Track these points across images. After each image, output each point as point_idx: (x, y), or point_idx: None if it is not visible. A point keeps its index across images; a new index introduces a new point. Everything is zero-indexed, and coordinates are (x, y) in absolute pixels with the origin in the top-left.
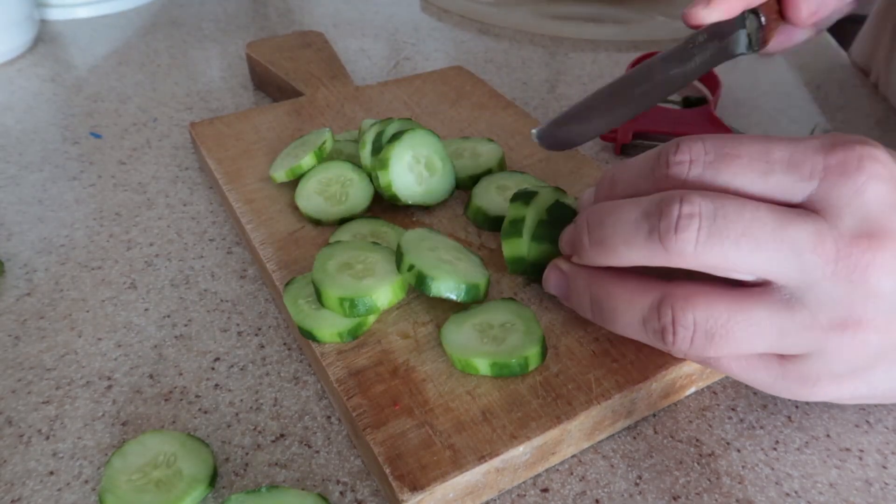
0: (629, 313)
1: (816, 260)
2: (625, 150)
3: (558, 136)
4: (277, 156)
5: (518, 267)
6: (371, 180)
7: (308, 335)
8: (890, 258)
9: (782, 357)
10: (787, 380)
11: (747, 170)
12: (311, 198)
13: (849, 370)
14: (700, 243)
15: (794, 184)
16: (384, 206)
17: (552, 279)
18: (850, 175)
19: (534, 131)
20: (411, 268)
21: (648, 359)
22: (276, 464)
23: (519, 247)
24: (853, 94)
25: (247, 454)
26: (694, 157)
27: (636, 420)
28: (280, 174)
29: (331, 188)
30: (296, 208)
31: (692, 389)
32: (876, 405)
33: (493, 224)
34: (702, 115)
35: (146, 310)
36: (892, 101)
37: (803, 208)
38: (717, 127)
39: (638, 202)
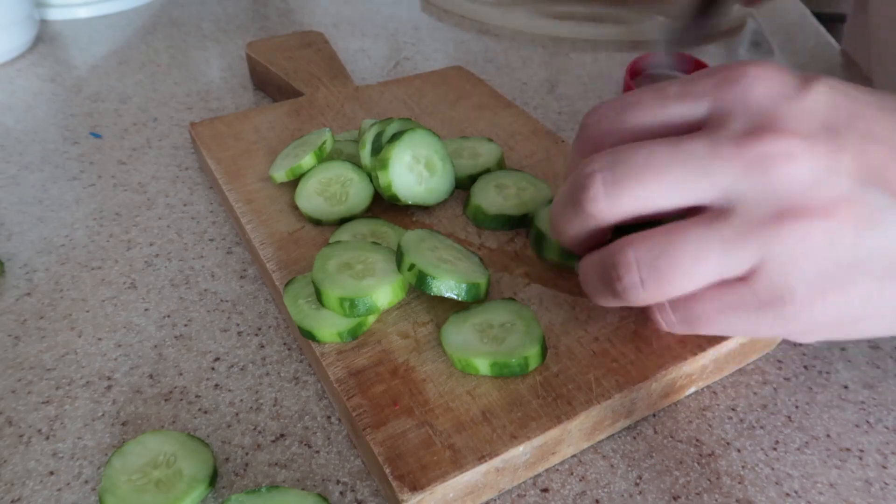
0: (593, 280)
1: (719, 164)
2: None
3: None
4: (277, 156)
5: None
6: (371, 180)
7: (308, 335)
8: (787, 141)
9: (745, 280)
10: (767, 308)
11: (647, 109)
12: (311, 198)
13: (818, 273)
14: (609, 194)
15: (689, 108)
16: (384, 206)
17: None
18: (736, 80)
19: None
20: (412, 267)
21: (648, 359)
22: (276, 464)
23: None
24: None
25: (247, 454)
26: (603, 114)
27: (636, 420)
28: (280, 174)
29: (331, 188)
30: (296, 208)
31: (692, 389)
32: (877, 405)
33: (491, 222)
34: None
35: (146, 310)
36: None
37: (701, 124)
38: None
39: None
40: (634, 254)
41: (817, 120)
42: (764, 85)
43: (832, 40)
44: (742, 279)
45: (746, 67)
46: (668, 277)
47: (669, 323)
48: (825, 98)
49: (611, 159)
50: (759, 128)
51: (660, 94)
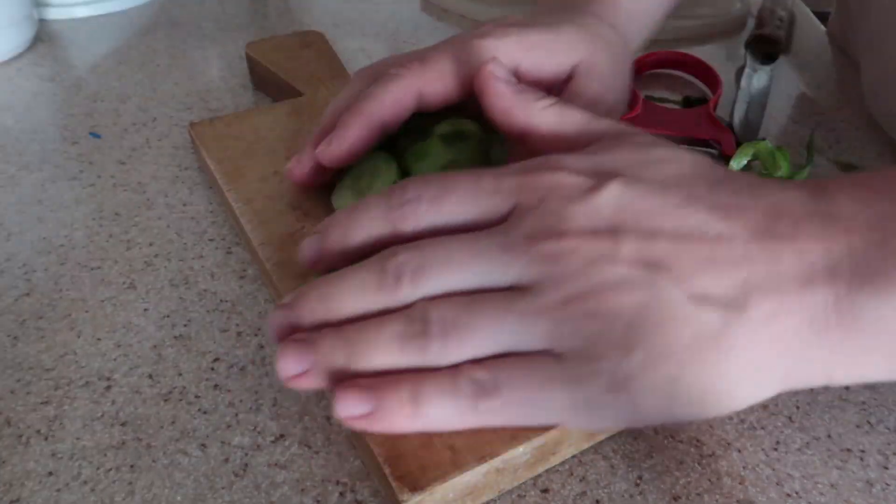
0: (384, 335)
1: (509, 258)
2: None
3: None
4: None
5: None
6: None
7: None
8: (569, 242)
9: (556, 359)
10: (577, 383)
11: (461, 199)
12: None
13: (619, 349)
14: (416, 282)
15: (496, 204)
16: None
17: (290, 355)
18: (534, 188)
19: None
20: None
21: None
22: (276, 464)
23: None
24: (854, 93)
25: (247, 454)
26: (421, 193)
27: None
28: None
29: (362, 181)
30: (296, 208)
31: None
32: (878, 405)
33: None
34: (701, 114)
35: (146, 310)
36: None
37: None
38: (717, 126)
39: (359, 265)
40: (437, 311)
41: (602, 219)
42: (557, 191)
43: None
44: (550, 353)
45: (544, 176)
46: (470, 330)
47: (475, 389)
48: (613, 201)
49: (417, 253)
50: (547, 230)
51: (475, 186)
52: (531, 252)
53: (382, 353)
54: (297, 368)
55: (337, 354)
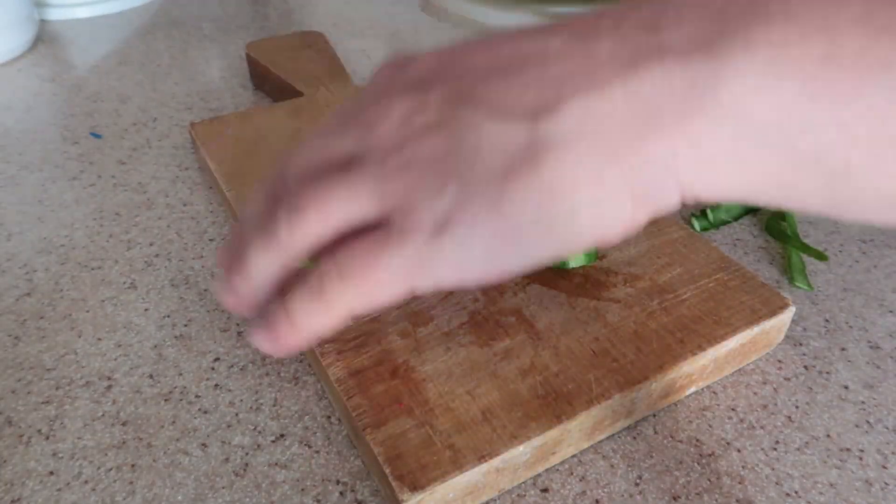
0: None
1: (341, 135)
2: None
3: None
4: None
5: None
6: None
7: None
8: (386, 107)
9: (386, 226)
10: (404, 241)
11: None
12: None
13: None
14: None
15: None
16: None
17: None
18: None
19: None
20: None
21: (648, 359)
22: (276, 464)
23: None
24: None
25: (247, 454)
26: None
27: (636, 420)
28: None
29: None
30: None
31: (692, 389)
32: (877, 405)
33: None
34: None
35: (146, 310)
36: None
37: None
38: None
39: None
40: (284, 200)
41: (414, 80)
42: (382, 70)
43: None
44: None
45: (377, 71)
46: (307, 207)
47: (329, 279)
48: (425, 64)
49: (287, 201)
50: (371, 105)
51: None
52: (353, 124)
53: (255, 256)
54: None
55: (241, 287)
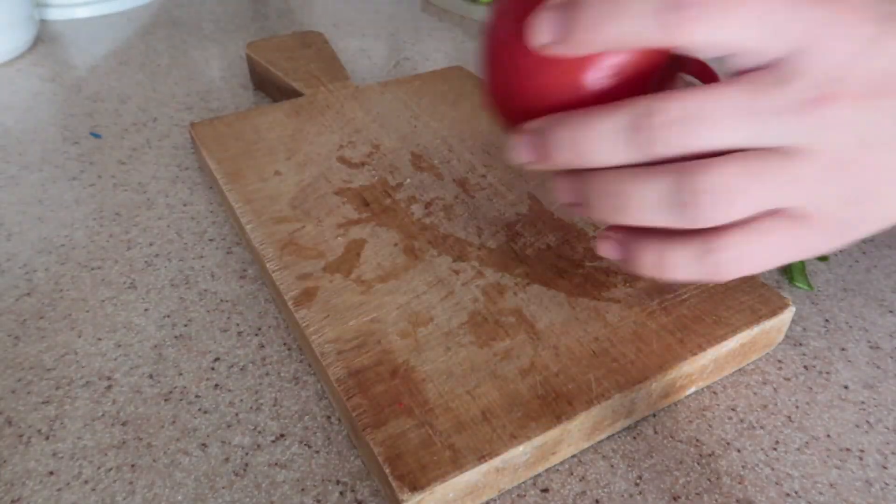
0: (649, 195)
1: (783, 122)
2: None
3: None
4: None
5: None
6: None
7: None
8: (839, 112)
9: (802, 220)
10: (815, 235)
11: (745, 20)
12: None
13: (862, 196)
14: (683, 136)
15: (771, 40)
16: (382, 206)
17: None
18: (817, 24)
19: None
20: None
21: (648, 359)
22: (276, 464)
23: None
24: None
25: (247, 454)
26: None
27: (636, 420)
28: None
29: None
30: (296, 208)
31: (692, 389)
32: (877, 405)
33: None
34: None
35: (146, 310)
36: None
37: (774, 64)
38: None
39: (608, 113)
40: (708, 180)
41: (876, 79)
42: (842, 32)
43: None
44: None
45: (828, 6)
46: (740, 200)
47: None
48: (892, 53)
49: (680, 111)
50: (826, 92)
51: (749, 10)
52: (808, 120)
53: (648, 214)
54: (569, 200)
55: (603, 207)
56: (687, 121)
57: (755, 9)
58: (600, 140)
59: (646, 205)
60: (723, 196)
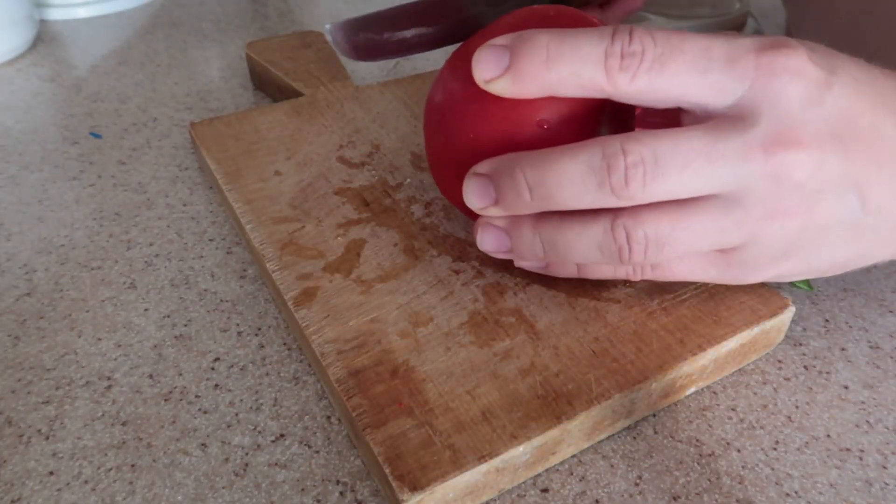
0: (584, 242)
1: (747, 167)
2: None
3: (360, 39)
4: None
5: None
6: None
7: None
8: (807, 155)
9: (723, 251)
10: (732, 268)
11: (690, 66)
12: None
13: (782, 252)
14: (647, 185)
15: (728, 83)
16: (382, 206)
17: (489, 238)
18: (776, 75)
19: (327, 26)
20: None
21: (648, 359)
22: (276, 464)
23: None
24: None
25: (247, 454)
26: (646, 49)
27: (636, 420)
28: None
29: None
30: (296, 208)
31: (692, 389)
32: (877, 405)
33: None
34: None
35: (146, 310)
36: None
37: (730, 113)
38: None
39: (575, 153)
40: (644, 231)
41: (831, 127)
42: (796, 86)
43: None
44: (721, 251)
45: (787, 61)
46: (669, 252)
47: (641, 271)
48: (844, 102)
49: (653, 155)
50: (784, 136)
51: (705, 53)
52: (767, 164)
53: (580, 256)
54: (494, 250)
55: (535, 248)
56: (658, 164)
57: (697, 65)
58: (571, 182)
59: (583, 250)
60: (652, 245)
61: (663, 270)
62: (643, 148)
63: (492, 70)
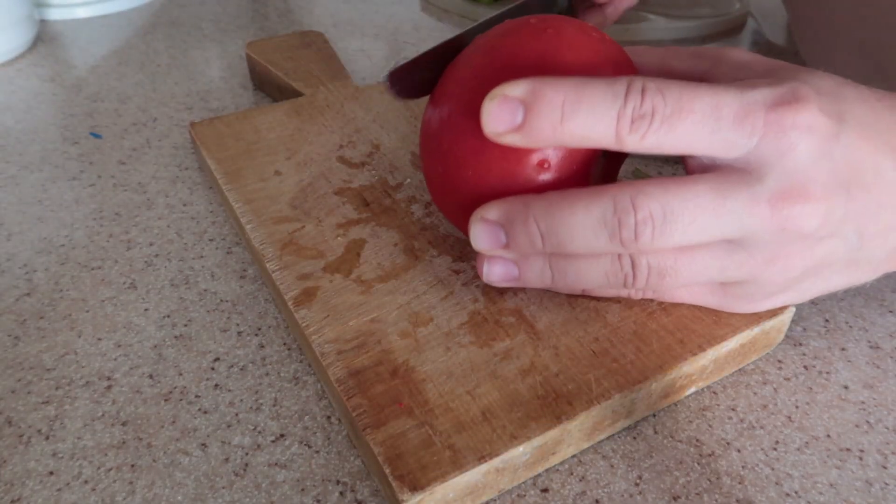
0: (593, 271)
1: (753, 220)
2: None
3: (413, 80)
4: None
5: None
6: None
7: None
8: (814, 208)
9: (723, 284)
10: (729, 298)
11: (699, 126)
12: None
13: (780, 289)
14: (655, 239)
15: (737, 139)
16: (382, 206)
17: (497, 270)
18: (785, 131)
19: (385, 74)
20: None
21: (648, 359)
22: (276, 464)
23: None
24: None
25: (247, 454)
26: (656, 109)
27: (636, 420)
28: None
29: None
30: (296, 207)
31: (692, 389)
32: (877, 405)
33: None
34: None
35: (146, 310)
36: None
37: (738, 165)
38: None
39: (588, 207)
40: (647, 261)
41: (837, 176)
42: (806, 143)
43: None
44: (721, 283)
45: (796, 118)
46: (670, 282)
47: (644, 295)
48: (850, 150)
49: (662, 211)
50: (794, 191)
51: (715, 112)
52: (773, 218)
53: (588, 283)
54: (501, 281)
55: (545, 277)
56: (667, 220)
57: (706, 125)
58: (583, 234)
59: (592, 277)
60: (655, 277)
61: (663, 294)
62: (653, 203)
63: (504, 125)
